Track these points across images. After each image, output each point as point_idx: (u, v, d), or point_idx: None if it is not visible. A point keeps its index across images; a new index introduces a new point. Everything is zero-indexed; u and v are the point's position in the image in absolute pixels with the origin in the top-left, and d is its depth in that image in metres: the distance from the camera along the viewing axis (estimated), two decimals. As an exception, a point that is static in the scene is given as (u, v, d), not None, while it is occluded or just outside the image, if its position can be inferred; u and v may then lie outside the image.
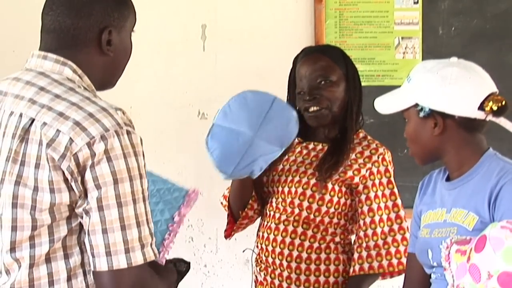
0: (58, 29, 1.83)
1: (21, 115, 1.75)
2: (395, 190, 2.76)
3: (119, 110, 1.76)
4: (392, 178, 2.76)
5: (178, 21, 3.80)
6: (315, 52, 2.84)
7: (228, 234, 2.91)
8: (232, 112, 2.63)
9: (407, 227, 2.73)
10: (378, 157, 2.75)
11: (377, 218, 2.72)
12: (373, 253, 2.71)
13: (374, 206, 2.72)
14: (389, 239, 2.72)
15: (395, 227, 2.73)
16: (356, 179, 2.72)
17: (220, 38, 3.80)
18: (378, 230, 2.72)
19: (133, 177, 1.71)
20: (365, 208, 2.73)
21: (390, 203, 2.74)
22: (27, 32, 3.77)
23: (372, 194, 2.73)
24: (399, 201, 2.75)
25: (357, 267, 2.72)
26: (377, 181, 2.73)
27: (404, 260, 2.70)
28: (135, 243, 1.70)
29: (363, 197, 2.73)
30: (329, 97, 2.76)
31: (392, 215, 2.73)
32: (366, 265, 2.71)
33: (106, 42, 1.85)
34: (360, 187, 2.73)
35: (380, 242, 2.72)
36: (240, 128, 2.61)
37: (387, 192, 2.74)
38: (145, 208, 1.73)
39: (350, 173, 2.72)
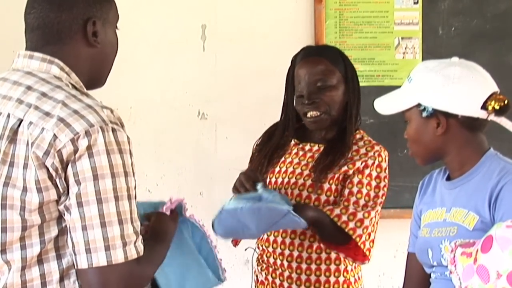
0: (42, 25, 1.82)
1: (8, 116, 1.75)
2: (381, 184, 2.72)
3: (106, 109, 1.75)
4: (381, 174, 2.72)
5: (178, 21, 3.79)
6: (314, 55, 2.82)
7: (236, 242, 2.93)
8: (243, 214, 2.54)
9: (376, 216, 2.69)
10: (374, 153, 2.74)
11: (353, 198, 2.68)
12: (339, 206, 2.67)
13: (354, 189, 2.70)
14: (359, 209, 2.66)
15: (370, 204, 2.68)
16: (350, 172, 2.72)
17: (220, 38, 3.80)
18: (352, 199, 2.68)
19: (116, 174, 1.69)
20: (346, 191, 2.70)
21: (372, 193, 2.70)
22: (27, 32, 3.78)
23: (355, 180, 2.70)
24: (380, 194, 2.71)
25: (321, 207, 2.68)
26: (366, 171, 2.71)
27: (360, 231, 2.63)
28: (116, 240, 1.68)
29: (347, 182, 2.71)
30: (328, 101, 2.75)
31: (370, 203, 2.69)
32: (328, 207, 2.66)
33: (91, 33, 1.84)
34: (351, 177, 2.72)
35: (351, 207, 2.66)
36: (248, 225, 2.56)
37: (373, 183, 2.71)
38: (130, 206, 1.71)
39: (344, 168, 2.72)
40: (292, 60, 2.85)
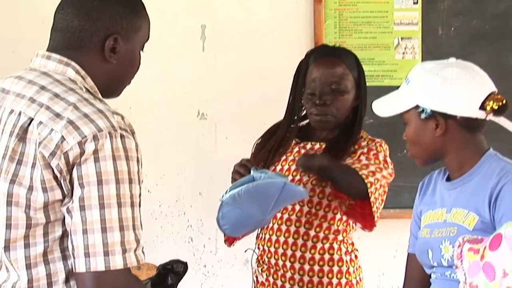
0: (65, 28, 1.83)
1: (20, 114, 1.76)
2: (388, 160, 2.74)
3: (117, 115, 1.75)
4: (380, 155, 2.73)
5: (177, 21, 3.79)
6: (332, 56, 2.82)
7: (230, 242, 2.92)
8: (242, 199, 2.54)
9: (384, 184, 2.70)
10: (375, 144, 2.77)
11: (364, 160, 2.71)
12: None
13: (362, 157, 2.72)
14: (372, 163, 2.69)
15: (380, 165, 2.70)
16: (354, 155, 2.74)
17: (220, 38, 3.80)
18: (363, 160, 2.71)
19: (121, 180, 1.69)
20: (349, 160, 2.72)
21: (372, 167, 2.70)
22: (27, 32, 3.78)
23: (363, 156, 2.72)
24: (386, 167, 2.73)
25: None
26: (371, 152, 2.73)
27: (372, 179, 2.63)
28: (116, 246, 1.68)
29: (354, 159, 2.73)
30: (338, 105, 2.77)
31: (380, 165, 2.71)
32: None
33: (110, 48, 1.84)
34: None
35: (363, 161, 2.69)
36: (251, 211, 2.57)
37: (378, 159, 2.73)
38: (132, 213, 1.71)
39: (349, 160, 2.73)
40: (306, 55, 2.85)
